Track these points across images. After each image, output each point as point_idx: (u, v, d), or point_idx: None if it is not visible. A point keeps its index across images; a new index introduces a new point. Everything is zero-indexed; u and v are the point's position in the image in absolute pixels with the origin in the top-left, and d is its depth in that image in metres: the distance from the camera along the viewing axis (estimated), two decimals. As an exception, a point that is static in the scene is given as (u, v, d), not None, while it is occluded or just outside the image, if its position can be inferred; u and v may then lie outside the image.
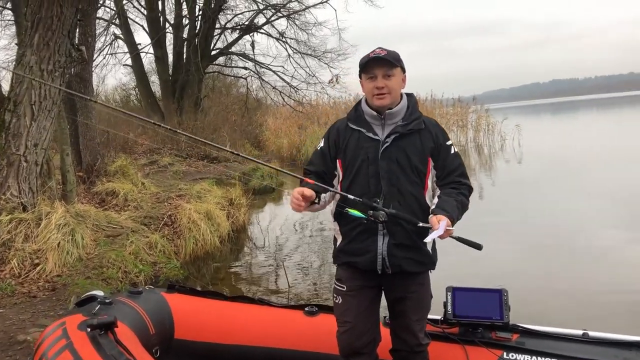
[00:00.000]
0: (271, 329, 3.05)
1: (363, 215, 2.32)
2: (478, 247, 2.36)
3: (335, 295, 2.59)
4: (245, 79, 21.35)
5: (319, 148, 2.59)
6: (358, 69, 2.51)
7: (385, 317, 2.83)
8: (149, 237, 6.97)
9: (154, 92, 20.17)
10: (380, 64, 2.42)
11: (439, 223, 2.25)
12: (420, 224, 2.33)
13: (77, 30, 9.22)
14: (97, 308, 2.67)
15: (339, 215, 2.48)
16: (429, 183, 2.50)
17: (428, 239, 2.27)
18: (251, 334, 3.04)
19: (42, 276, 5.52)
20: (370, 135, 2.48)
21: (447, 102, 23.74)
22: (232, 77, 23.55)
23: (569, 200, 9.97)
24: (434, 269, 2.57)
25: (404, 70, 2.51)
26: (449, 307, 2.89)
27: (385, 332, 2.70)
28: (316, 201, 2.44)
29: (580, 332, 2.82)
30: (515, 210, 9.47)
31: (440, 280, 2.84)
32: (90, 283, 5.43)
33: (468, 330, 2.86)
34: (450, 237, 2.29)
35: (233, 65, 21.97)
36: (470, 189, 2.53)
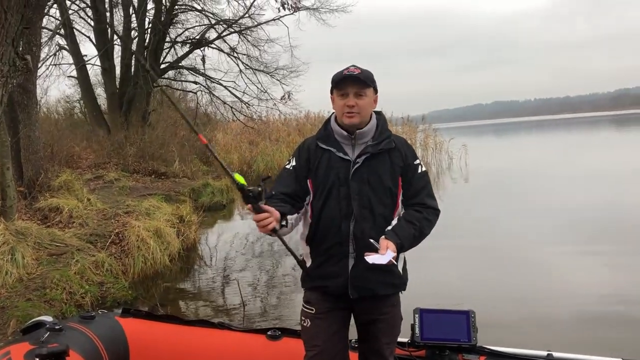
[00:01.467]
0: (232, 354, 2.92)
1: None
2: None
3: (303, 319, 2.49)
4: (195, 93, 21.04)
5: (289, 167, 2.48)
6: (330, 84, 2.45)
7: (351, 340, 2.75)
8: (95, 255, 6.68)
9: (100, 105, 19.56)
10: (354, 83, 2.37)
11: (386, 251, 2.20)
12: (372, 241, 2.26)
13: (22, 39, 8.84)
14: (45, 335, 2.47)
15: (312, 239, 2.40)
16: (400, 203, 2.46)
17: (369, 260, 2.19)
18: (211, 359, 2.89)
19: (-22, 298, 5.18)
20: (341, 155, 2.41)
21: (396, 121, 24.08)
22: (182, 92, 23.16)
23: (517, 218, 10.25)
24: (404, 289, 2.51)
25: (376, 91, 2.47)
26: (417, 330, 2.85)
27: (352, 357, 2.62)
28: (283, 223, 2.30)
29: (544, 352, 2.83)
30: (464, 228, 9.62)
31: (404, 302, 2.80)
32: (32, 306, 5.13)
33: (435, 353, 2.82)
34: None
35: (183, 79, 21.63)
36: (436, 212, 2.47)
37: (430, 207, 2.45)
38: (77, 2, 18.43)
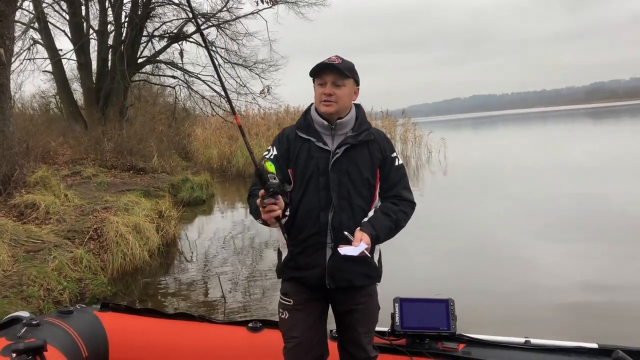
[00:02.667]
0: (213, 347, 2.91)
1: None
2: None
3: (281, 310, 2.49)
4: (174, 87, 20.82)
5: (270, 157, 2.43)
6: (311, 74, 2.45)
7: (332, 330, 2.77)
8: (73, 252, 6.59)
9: (77, 100, 19.27)
10: (332, 71, 2.37)
11: (359, 242, 2.22)
12: (346, 233, 2.28)
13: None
14: (22, 330, 2.43)
15: (289, 229, 2.39)
16: (377, 195, 2.48)
17: (341, 251, 2.22)
18: (192, 353, 2.89)
19: (-47, 296, 5.08)
20: (321, 145, 2.41)
21: (376, 116, 24.15)
22: (159, 86, 22.93)
23: (495, 210, 10.37)
24: (379, 281, 2.53)
25: (357, 83, 2.47)
26: (397, 319, 2.87)
27: (332, 346, 2.64)
28: (287, 214, 2.30)
29: (522, 339, 2.87)
30: (443, 220, 9.72)
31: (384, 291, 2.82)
32: (8, 303, 5.05)
33: (415, 342, 2.85)
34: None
35: (161, 74, 21.40)
36: (412, 205, 2.50)
37: (406, 199, 2.48)
38: (52, -5, 18.13)
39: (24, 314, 2.65)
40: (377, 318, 2.57)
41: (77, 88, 20.27)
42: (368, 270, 2.43)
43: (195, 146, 22.14)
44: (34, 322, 2.52)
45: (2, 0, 8.49)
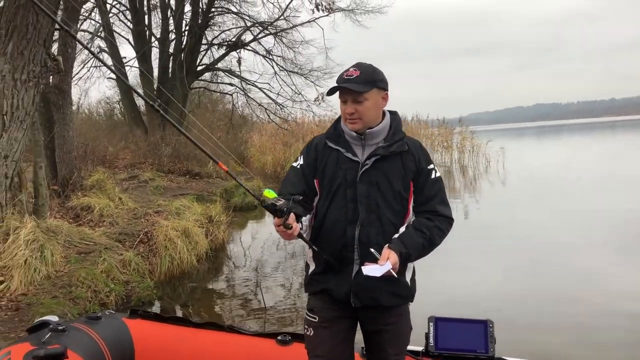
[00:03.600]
0: (240, 359, 2.84)
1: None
2: None
3: (306, 327, 2.38)
4: (231, 95, 21.20)
5: (297, 166, 2.37)
6: None
7: (363, 347, 2.64)
8: (122, 254, 6.72)
9: (138, 106, 19.92)
10: (348, 91, 2.23)
11: (386, 261, 2.08)
12: (372, 251, 2.14)
13: (58, 41, 9.05)
14: (47, 336, 2.43)
15: (314, 242, 2.29)
16: (410, 209, 2.33)
17: (365, 271, 2.10)
18: (219, 364, 2.82)
19: (6, 295, 5.24)
20: (350, 155, 2.29)
21: (432, 123, 23.76)
22: (218, 94, 23.41)
23: (553, 223, 9.89)
24: (412, 300, 2.38)
25: (383, 89, 2.31)
26: (431, 339, 2.72)
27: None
28: (302, 228, 2.22)
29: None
30: (499, 232, 9.36)
31: (423, 307, 2.67)
32: (57, 303, 5.17)
33: (450, 364, 2.69)
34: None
35: (219, 81, 21.85)
36: (449, 221, 2.32)
37: (442, 215, 2.30)
38: (117, 6, 18.86)
39: (53, 318, 2.66)
40: (409, 339, 2.42)
41: (139, 94, 20.91)
42: (398, 289, 2.28)
43: (251, 152, 22.43)
44: (59, 328, 2.52)
45: (66, 10, 8.84)
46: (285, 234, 2.09)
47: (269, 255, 8.53)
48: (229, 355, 2.87)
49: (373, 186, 2.25)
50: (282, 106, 19.84)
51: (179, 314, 5.77)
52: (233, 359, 2.86)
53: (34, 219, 6.49)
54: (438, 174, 2.36)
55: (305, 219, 2.28)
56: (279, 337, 2.94)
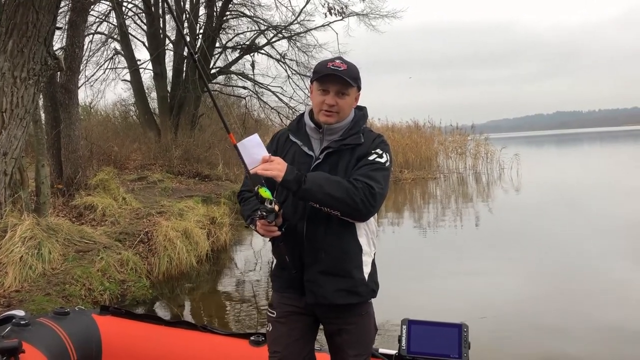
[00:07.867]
0: (210, 359, 2.78)
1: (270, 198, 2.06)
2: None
3: (267, 323, 2.33)
4: (244, 98, 21.24)
5: None
6: (312, 74, 2.26)
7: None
8: (121, 254, 6.72)
9: (152, 108, 20.05)
10: (337, 81, 2.15)
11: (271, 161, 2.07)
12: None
13: (66, 40, 9.12)
14: (6, 330, 2.40)
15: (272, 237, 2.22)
16: None
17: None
18: (188, 363, 2.77)
19: (-1, 291, 5.27)
20: (305, 149, 2.24)
21: (446, 130, 23.58)
22: (233, 97, 23.48)
23: (566, 231, 9.68)
24: (374, 296, 2.26)
25: (359, 89, 2.25)
26: (404, 342, 2.63)
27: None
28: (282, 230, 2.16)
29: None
30: (511, 239, 9.20)
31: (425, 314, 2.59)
32: (48, 300, 5.18)
33: (423, 368, 2.59)
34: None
35: (233, 84, 21.89)
36: (368, 188, 2.06)
37: (364, 182, 2.08)
38: (133, 8, 19.03)
39: (19, 312, 2.63)
40: (373, 341, 2.33)
41: (154, 96, 21.06)
42: (353, 285, 2.16)
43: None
44: (22, 322, 2.48)
45: (74, 10, 8.91)
46: (266, 232, 2.13)
47: (270, 257, 8.47)
48: (200, 355, 2.81)
49: None
50: (295, 110, 19.83)
51: (174, 313, 5.73)
52: (203, 358, 2.80)
53: (34, 216, 6.53)
54: (381, 159, 2.17)
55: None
56: (252, 338, 2.89)
